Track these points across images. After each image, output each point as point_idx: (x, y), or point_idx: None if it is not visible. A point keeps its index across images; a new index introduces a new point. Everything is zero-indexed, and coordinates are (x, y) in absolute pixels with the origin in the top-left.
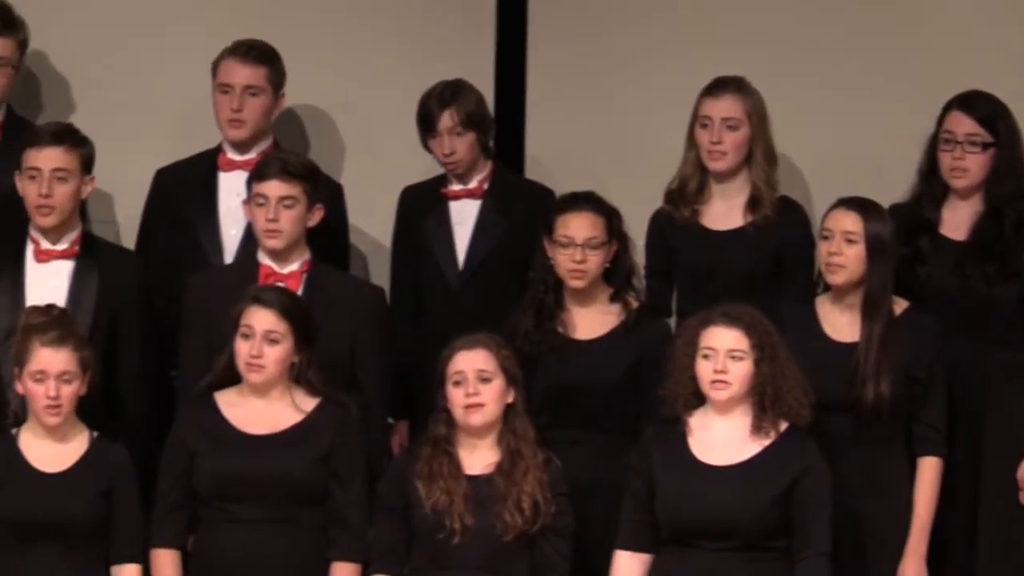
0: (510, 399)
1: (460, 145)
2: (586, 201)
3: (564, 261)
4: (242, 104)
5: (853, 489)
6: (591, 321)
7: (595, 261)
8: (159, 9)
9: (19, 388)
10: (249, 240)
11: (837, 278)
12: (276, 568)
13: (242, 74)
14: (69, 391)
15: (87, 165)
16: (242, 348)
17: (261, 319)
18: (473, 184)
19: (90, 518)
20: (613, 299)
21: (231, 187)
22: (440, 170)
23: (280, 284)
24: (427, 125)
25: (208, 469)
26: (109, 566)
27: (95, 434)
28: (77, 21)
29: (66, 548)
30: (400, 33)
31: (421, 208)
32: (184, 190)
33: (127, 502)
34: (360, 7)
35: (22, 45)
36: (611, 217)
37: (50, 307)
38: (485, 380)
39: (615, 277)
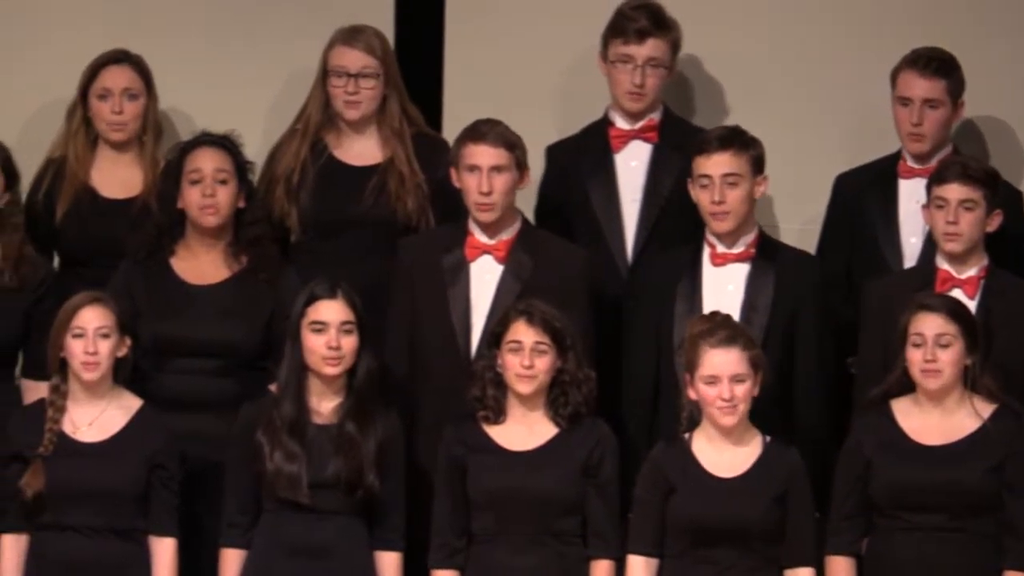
0: None
1: None
2: None
3: None
4: (921, 118)
5: None
6: None
7: None
8: (839, 17)
9: (691, 394)
10: (929, 245)
11: None
12: None
13: (922, 87)
14: (743, 391)
15: (758, 166)
16: (915, 356)
17: (931, 324)
18: None
19: (765, 522)
20: None
21: (911, 194)
22: None
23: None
24: None
25: (886, 479)
26: (783, 569)
27: (768, 438)
28: (768, 29)
29: (743, 551)
30: None
31: None
32: (865, 195)
33: (800, 505)
34: None
35: (674, 46)
36: None
37: (714, 314)
38: None
39: None
